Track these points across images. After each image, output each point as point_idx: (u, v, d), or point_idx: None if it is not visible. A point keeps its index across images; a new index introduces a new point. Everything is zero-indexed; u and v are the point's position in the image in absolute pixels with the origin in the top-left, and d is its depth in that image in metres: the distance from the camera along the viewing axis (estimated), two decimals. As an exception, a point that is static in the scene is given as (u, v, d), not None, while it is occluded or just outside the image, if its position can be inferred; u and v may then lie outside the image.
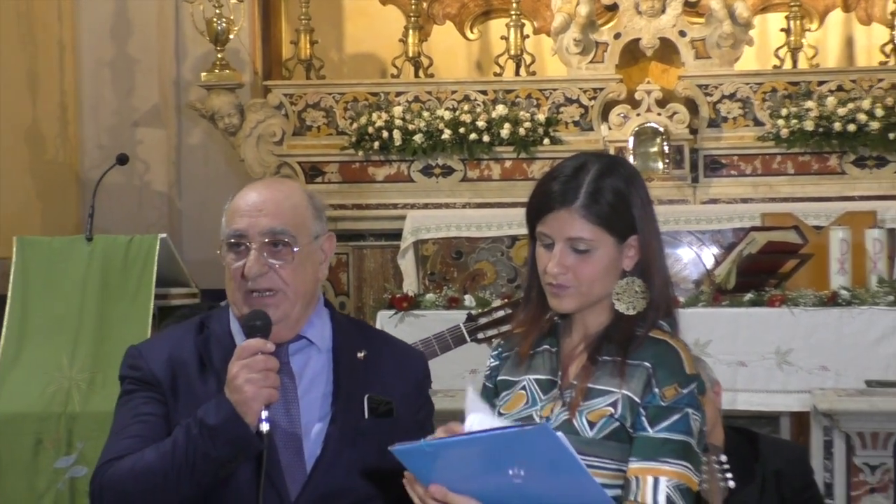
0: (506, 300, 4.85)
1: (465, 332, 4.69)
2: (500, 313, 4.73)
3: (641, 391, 2.58)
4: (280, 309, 2.76)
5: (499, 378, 2.78)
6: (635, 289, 2.66)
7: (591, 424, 2.58)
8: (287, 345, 2.82)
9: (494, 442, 2.34)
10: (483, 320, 4.72)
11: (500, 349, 2.84)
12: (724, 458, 3.59)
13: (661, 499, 2.51)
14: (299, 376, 2.82)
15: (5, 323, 5.62)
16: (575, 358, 2.69)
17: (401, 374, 2.88)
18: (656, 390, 2.57)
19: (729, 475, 3.55)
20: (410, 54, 8.34)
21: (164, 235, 5.92)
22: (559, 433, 2.32)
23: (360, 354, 2.84)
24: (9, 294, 5.66)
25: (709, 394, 3.74)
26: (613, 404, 2.58)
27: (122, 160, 6.39)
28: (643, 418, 2.56)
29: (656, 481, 2.53)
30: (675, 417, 2.56)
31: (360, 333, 2.92)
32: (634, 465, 2.55)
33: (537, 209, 2.67)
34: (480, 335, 4.70)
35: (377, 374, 2.84)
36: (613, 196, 2.62)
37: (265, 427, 2.63)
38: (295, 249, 2.76)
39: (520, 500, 2.38)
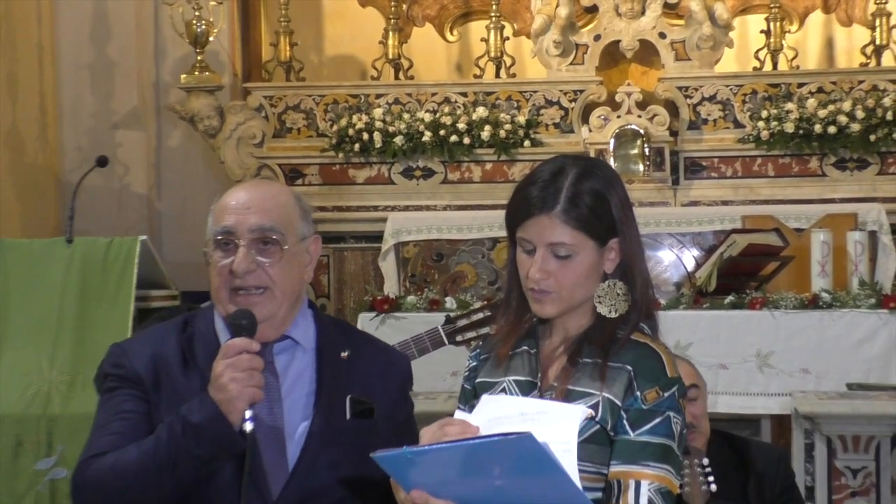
0: (484, 302, 4.84)
1: (443, 335, 4.68)
2: (479, 315, 4.72)
3: (623, 394, 2.57)
4: (267, 307, 2.76)
5: (477, 380, 2.77)
6: (617, 291, 2.65)
7: None
8: (272, 344, 2.82)
9: (478, 450, 2.34)
10: (461, 323, 4.71)
11: (478, 351, 2.83)
12: (706, 461, 3.59)
13: (643, 502, 2.51)
14: (283, 376, 2.82)
15: (-15, 325, 5.60)
16: (555, 360, 2.68)
17: (383, 375, 2.89)
18: (638, 394, 2.56)
19: (711, 478, 3.56)
20: (390, 56, 8.33)
21: (144, 237, 5.91)
22: (543, 441, 2.32)
23: (344, 354, 2.84)
24: (-12, 297, 5.64)
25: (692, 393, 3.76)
26: (594, 406, 2.57)
27: (102, 162, 6.38)
28: (624, 422, 2.56)
29: (638, 485, 2.52)
30: (657, 421, 2.55)
31: (343, 334, 2.93)
32: (616, 469, 2.55)
33: (517, 215, 2.66)
34: (459, 338, 4.70)
35: (359, 375, 2.84)
36: (593, 200, 2.61)
37: (249, 426, 2.63)
38: (284, 248, 2.77)
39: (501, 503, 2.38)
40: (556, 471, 2.34)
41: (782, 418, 5.99)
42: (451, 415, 2.83)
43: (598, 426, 2.56)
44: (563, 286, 2.62)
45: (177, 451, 2.63)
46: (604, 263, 2.65)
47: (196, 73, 8.04)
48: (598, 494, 2.56)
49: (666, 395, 2.57)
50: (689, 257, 6.93)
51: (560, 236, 2.60)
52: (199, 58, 8.01)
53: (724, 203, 7.60)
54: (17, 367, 5.49)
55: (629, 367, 2.58)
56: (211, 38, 7.96)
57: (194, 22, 7.88)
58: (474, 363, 2.81)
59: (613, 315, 2.64)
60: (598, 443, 2.56)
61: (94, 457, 2.71)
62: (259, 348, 2.68)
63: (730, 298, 5.99)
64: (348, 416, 2.78)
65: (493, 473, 2.33)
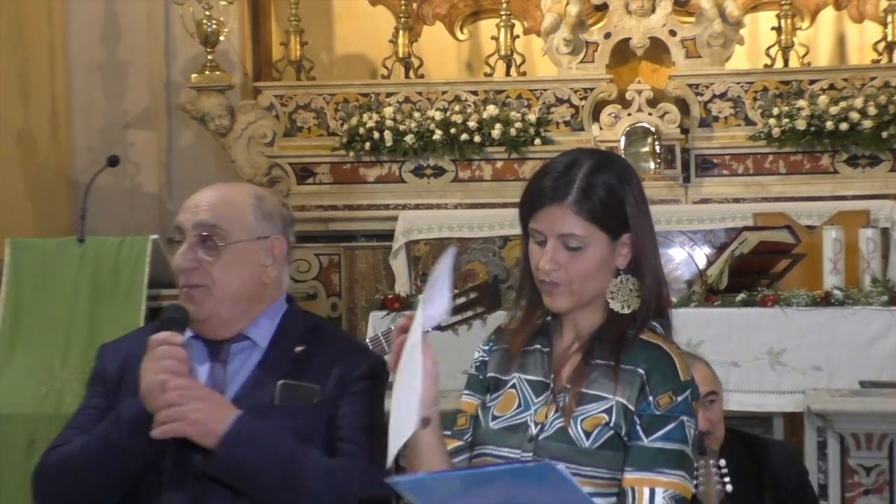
0: (469, 287, 4.69)
1: None
2: (462, 300, 4.60)
3: (636, 398, 2.54)
4: (206, 306, 2.78)
5: (489, 374, 2.74)
6: (629, 287, 2.62)
7: (587, 434, 2.55)
8: (229, 344, 2.83)
9: (495, 476, 2.31)
10: None
11: (490, 343, 2.80)
12: (722, 462, 3.57)
13: None
14: (234, 374, 2.82)
15: (-3, 324, 5.61)
16: (567, 360, 2.65)
17: (333, 367, 2.81)
18: (650, 398, 2.54)
19: (727, 479, 3.54)
20: (400, 55, 8.33)
21: (155, 237, 5.92)
22: (560, 465, 2.30)
23: (298, 349, 2.82)
24: (1, 296, 5.65)
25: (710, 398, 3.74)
26: (608, 411, 2.55)
27: (114, 162, 6.38)
28: (638, 427, 2.53)
29: (652, 492, 2.51)
30: (670, 426, 2.53)
31: (309, 331, 2.89)
32: (630, 476, 2.53)
33: (529, 205, 2.63)
34: (444, 323, 4.57)
35: (309, 368, 2.80)
36: (606, 192, 2.59)
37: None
38: (225, 245, 2.76)
39: None
40: (579, 498, 2.34)
41: (794, 416, 5.97)
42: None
43: (612, 431, 2.54)
44: (573, 278, 2.59)
45: (105, 441, 2.69)
46: (616, 258, 2.62)
47: (207, 72, 8.04)
48: (612, 500, 2.54)
49: (679, 399, 2.54)
50: (701, 255, 6.92)
51: (571, 227, 2.58)
52: (209, 57, 8.01)
53: (736, 200, 7.59)
54: (30, 367, 5.51)
55: (641, 371, 2.56)
56: (221, 38, 7.97)
57: (205, 22, 7.88)
58: (485, 356, 2.78)
59: (626, 311, 2.61)
60: (613, 448, 2.54)
61: (51, 449, 2.81)
62: (181, 340, 2.70)
63: (741, 296, 5.97)
64: (277, 401, 2.75)
65: (510, 500, 2.31)
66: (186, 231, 2.78)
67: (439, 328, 4.46)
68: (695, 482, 3.49)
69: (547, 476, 2.28)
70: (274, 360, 2.80)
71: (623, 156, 7.51)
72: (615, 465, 2.54)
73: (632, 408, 2.54)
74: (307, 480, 2.67)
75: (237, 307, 2.80)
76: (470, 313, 4.44)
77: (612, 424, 2.54)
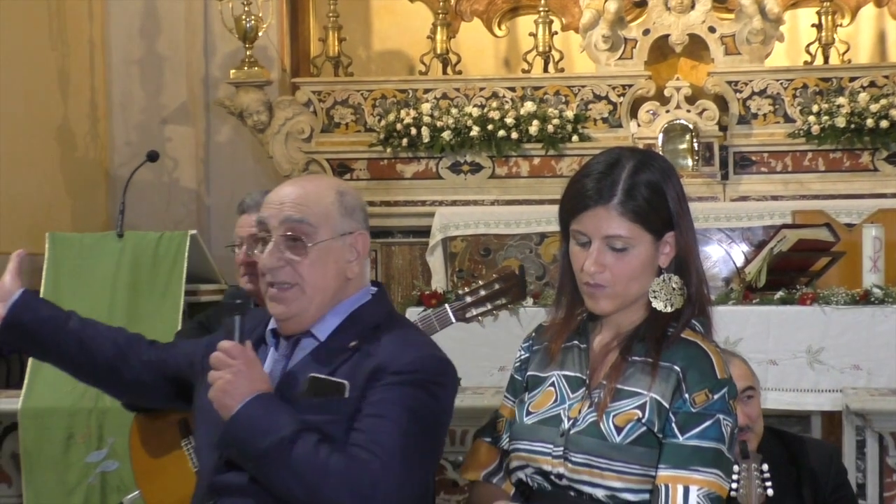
0: (494, 277, 4.64)
1: (450, 313, 4.49)
2: (491, 289, 4.52)
3: (671, 396, 2.53)
4: (296, 304, 2.75)
5: (528, 373, 2.75)
6: (672, 286, 2.61)
7: (619, 429, 2.54)
8: (300, 338, 2.80)
9: None
10: (469, 299, 4.50)
11: (531, 341, 2.80)
12: (765, 466, 3.54)
13: None
14: (289, 367, 2.81)
15: (37, 319, 5.64)
16: (605, 356, 2.65)
17: (371, 363, 2.72)
18: (686, 396, 2.53)
19: (768, 483, 3.51)
20: (438, 51, 8.33)
21: (193, 232, 5.95)
22: None
23: (352, 344, 2.76)
24: (41, 290, 5.68)
25: (748, 393, 3.72)
26: (641, 407, 2.54)
27: (153, 157, 6.41)
28: (673, 425, 2.52)
29: (686, 491, 2.49)
30: (706, 424, 2.51)
31: (373, 328, 2.80)
32: (664, 473, 2.51)
33: (572, 207, 2.61)
34: (469, 314, 4.51)
35: (349, 362, 2.74)
36: (650, 192, 2.58)
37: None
38: (314, 243, 2.74)
39: None
40: None
41: (833, 415, 5.93)
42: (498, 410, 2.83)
43: (644, 428, 2.53)
44: (618, 280, 2.58)
45: None
46: (658, 257, 2.62)
47: (245, 68, 8.07)
48: (646, 496, 2.53)
49: (716, 397, 2.53)
50: (739, 253, 6.89)
51: (617, 229, 2.56)
52: (248, 53, 8.04)
53: (774, 198, 7.55)
54: (69, 361, 5.53)
55: (678, 368, 2.54)
56: (260, 34, 8.00)
57: (243, 17, 7.91)
58: (525, 354, 2.79)
59: (669, 309, 2.60)
60: (646, 445, 2.53)
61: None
62: (250, 346, 2.70)
63: (780, 294, 5.93)
64: (302, 393, 2.70)
65: None
66: (272, 228, 2.74)
67: (464, 319, 4.44)
68: (735, 484, 3.50)
69: None
70: (320, 355, 2.76)
71: (661, 153, 7.49)
72: (647, 461, 2.53)
73: (666, 405, 2.53)
74: (282, 471, 2.60)
75: (324, 303, 2.78)
76: (494, 304, 4.40)
77: (644, 420, 2.53)
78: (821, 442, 4.78)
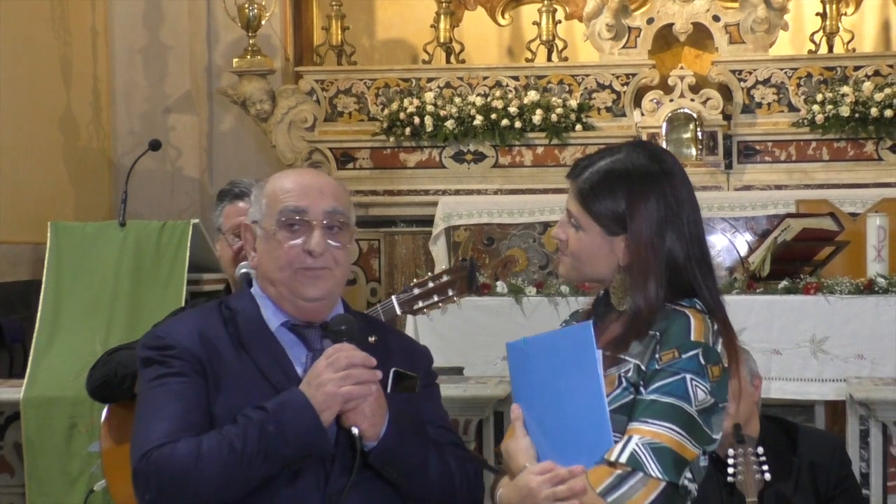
0: (443, 269, 4.62)
1: (395, 304, 4.40)
2: (439, 281, 4.50)
3: (648, 359, 2.54)
4: (328, 285, 2.80)
5: None
6: (626, 286, 2.62)
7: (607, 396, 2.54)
8: (319, 330, 2.83)
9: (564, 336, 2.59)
10: (416, 291, 4.43)
11: (564, 325, 2.82)
12: (760, 450, 3.55)
13: (624, 456, 2.44)
14: None
15: (39, 308, 5.64)
16: (607, 329, 2.65)
17: (412, 361, 2.88)
18: (657, 356, 2.53)
19: (765, 467, 3.52)
20: (442, 40, 8.32)
21: (196, 221, 5.93)
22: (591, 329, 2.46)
23: (371, 339, 2.84)
24: (43, 279, 5.68)
25: (747, 387, 3.71)
26: (625, 372, 2.54)
27: (155, 146, 6.39)
28: (641, 384, 2.53)
29: (628, 440, 2.46)
30: (669, 380, 2.49)
31: (364, 320, 2.95)
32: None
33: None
34: (416, 306, 4.48)
35: (390, 358, 2.82)
36: (598, 178, 2.61)
37: (356, 431, 2.66)
38: (346, 234, 2.82)
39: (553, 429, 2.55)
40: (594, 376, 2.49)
41: (836, 404, 5.93)
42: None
43: (629, 397, 2.53)
44: (573, 254, 2.65)
45: (266, 448, 2.60)
46: (617, 254, 2.61)
47: (248, 57, 8.07)
48: None
49: (684, 356, 2.51)
50: (743, 242, 6.88)
51: (570, 204, 2.65)
52: (251, 42, 8.03)
53: (778, 187, 7.54)
54: (71, 350, 5.52)
55: (657, 333, 2.55)
56: (263, 23, 7.99)
57: (247, 6, 7.90)
58: None
59: (622, 308, 2.62)
60: (628, 414, 2.52)
61: (162, 446, 2.60)
62: (374, 364, 2.70)
63: (784, 283, 5.92)
64: (388, 390, 2.75)
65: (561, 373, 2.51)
66: (313, 216, 2.78)
67: (411, 311, 4.44)
68: (732, 469, 3.50)
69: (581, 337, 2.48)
70: (367, 350, 2.76)
71: (665, 142, 7.48)
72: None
73: (643, 368, 2.54)
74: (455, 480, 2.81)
75: (342, 288, 2.89)
76: (441, 297, 4.39)
77: (624, 385, 2.53)
78: (823, 433, 4.78)
